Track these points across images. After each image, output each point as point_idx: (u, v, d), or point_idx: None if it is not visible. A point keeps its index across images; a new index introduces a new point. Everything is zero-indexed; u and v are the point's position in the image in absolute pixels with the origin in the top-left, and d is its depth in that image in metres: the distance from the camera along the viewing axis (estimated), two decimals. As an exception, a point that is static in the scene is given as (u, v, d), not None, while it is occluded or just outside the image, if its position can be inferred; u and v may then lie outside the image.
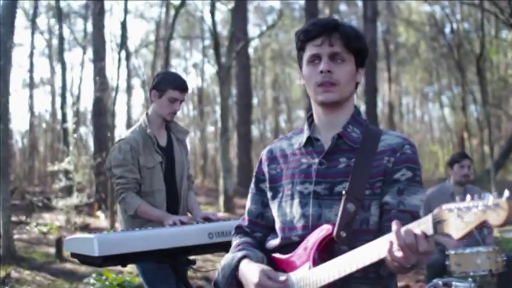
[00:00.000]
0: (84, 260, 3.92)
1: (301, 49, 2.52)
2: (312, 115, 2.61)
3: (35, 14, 26.64)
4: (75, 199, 14.15)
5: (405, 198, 2.35)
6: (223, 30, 29.48)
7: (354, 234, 2.30)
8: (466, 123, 29.77)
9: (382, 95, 39.36)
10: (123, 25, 17.42)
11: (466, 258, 5.82)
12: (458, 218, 1.79)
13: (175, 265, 4.17)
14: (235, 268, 2.46)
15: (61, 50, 22.12)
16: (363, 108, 24.40)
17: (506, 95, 33.21)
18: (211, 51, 24.32)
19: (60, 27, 22.34)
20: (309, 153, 2.52)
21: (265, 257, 2.54)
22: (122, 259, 3.87)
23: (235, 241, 2.66)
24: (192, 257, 4.29)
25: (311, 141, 2.53)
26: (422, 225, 1.93)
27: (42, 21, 32.95)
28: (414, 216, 2.29)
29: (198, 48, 37.54)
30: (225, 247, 4.39)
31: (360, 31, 2.55)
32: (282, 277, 2.32)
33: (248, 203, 2.72)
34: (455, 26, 30.36)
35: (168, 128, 4.96)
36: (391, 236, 1.99)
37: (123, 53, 17.43)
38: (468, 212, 1.77)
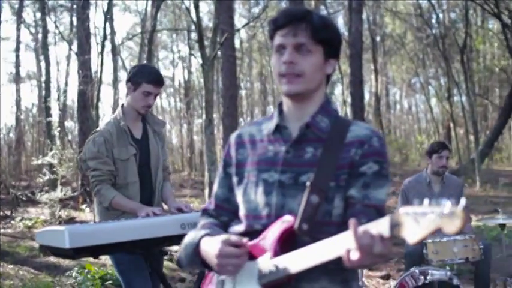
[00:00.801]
0: (56, 252, 3.93)
1: (271, 38, 2.48)
2: (282, 103, 2.57)
3: (21, 8, 26.53)
4: (59, 193, 14.09)
5: (370, 192, 2.32)
6: (210, 23, 29.45)
7: (316, 226, 2.26)
8: (452, 113, 29.87)
9: (368, 86, 39.42)
10: (106, 16, 17.37)
11: (443, 247, 5.86)
12: (415, 222, 1.78)
13: (148, 256, 4.18)
14: (196, 246, 2.42)
15: (45, 44, 22.03)
16: (349, 99, 24.42)
17: (493, 85, 33.31)
18: (197, 44, 24.26)
19: (44, 20, 22.24)
20: (277, 140, 2.48)
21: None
22: (94, 251, 3.87)
23: (200, 223, 2.63)
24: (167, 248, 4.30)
25: (279, 129, 2.49)
26: (380, 227, 1.91)
27: (28, 15, 32.74)
28: (379, 211, 2.29)
29: (185, 40, 37.42)
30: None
31: (330, 21, 2.50)
32: (243, 240, 2.30)
33: (215, 186, 2.67)
34: (441, 16, 30.48)
35: (145, 119, 4.95)
36: (348, 235, 1.97)
37: (109, 46, 17.46)
38: (424, 218, 1.76)
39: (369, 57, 36.67)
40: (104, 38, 16.90)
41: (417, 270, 5.73)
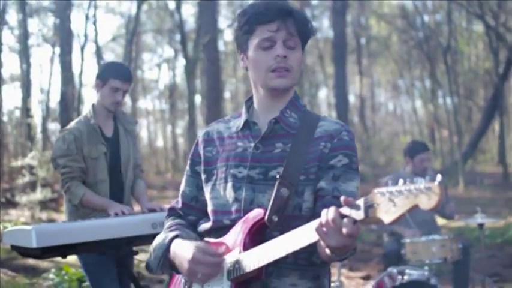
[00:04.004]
0: (24, 252, 3.89)
1: (248, 32, 2.42)
2: (250, 99, 2.56)
3: (4, 10, 26.35)
4: (38, 194, 13.99)
5: (340, 185, 2.32)
6: (195, 24, 29.38)
7: (286, 220, 2.25)
8: (436, 115, 29.93)
9: (353, 88, 39.51)
10: (89, 17, 17.31)
11: (421, 247, 5.85)
12: (390, 202, 1.77)
13: (119, 256, 4.12)
14: (167, 249, 2.39)
15: (25, 45, 21.91)
16: (333, 101, 24.46)
17: (477, 87, 33.43)
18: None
19: (24, 21, 22.12)
20: (246, 136, 2.47)
21: (198, 237, 2.48)
22: (62, 250, 3.82)
23: (168, 223, 2.60)
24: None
25: (248, 125, 2.48)
26: (354, 209, 1.89)
27: (11, 17, 32.54)
28: None
29: (170, 42, 37.34)
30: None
31: (308, 16, 2.50)
32: (219, 250, 2.28)
33: (182, 185, 2.65)
34: (426, 18, 30.57)
35: (116, 118, 4.90)
36: (321, 217, 1.96)
37: (94, 48, 17.34)
38: (400, 196, 1.75)
39: (354, 59, 36.75)
40: (85, 39, 16.85)
41: (395, 270, 5.70)
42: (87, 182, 4.65)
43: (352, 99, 38.48)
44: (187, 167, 2.64)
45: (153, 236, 4.04)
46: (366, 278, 8.59)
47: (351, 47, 32.30)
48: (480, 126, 24.78)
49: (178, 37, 30.92)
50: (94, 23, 16.14)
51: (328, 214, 1.94)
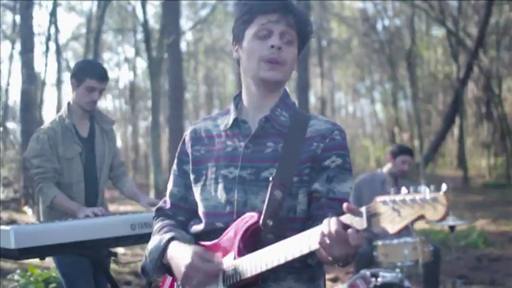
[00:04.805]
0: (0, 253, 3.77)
1: (247, 22, 2.39)
2: (238, 95, 2.51)
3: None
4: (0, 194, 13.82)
5: (335, 186, 2.30)
6: (156, 24, 29.21)
7: (280, 222, 2.22)
8: (396, 118, 30.18)
9: (314, 90, 39.66)
10: (51, 16, 17.10)
11: (393, 249, 5.88)
12: (394, 211, 1.72)
13: (97, 257, 4.06)
14: (162, 251, 2.32)
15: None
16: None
17: (436, 91, 33.81)
18: (143, 45, 24.01)
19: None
20: (235, 135, 2.41)
21: (192, 239, 2.43)
22: (41, 252, 3.75)
23: (158, 224, 2.52)
24: (115, 250, 4.19)
25: (237, 124, 2.42)
26: (355, 218, 1.85)
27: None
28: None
29: (130, 42, 37.09)
30: (148, 239, 4.31)
31: (308, 16, 2.49)
32: (218, 257, 2.22)
33: (170, 185, 2.57)
34: (387, 22, 30.87)
35: (92, 118, 4.83)
36: (323, 228, 1.91)
37: (53, 46, 17.08)
38: (404, 206, 1.70)
39: (315, 62, 36.89)
40: (49, 37, 16.63)
41: (368, 272, 5.73)
42: (63, 183, 4.59)
43: (312, 101, 38.65)
44: (174, 166, 2.57)
45: (131, 238, 4.06)
46: (334, 280, 8.59)
47: (312, 50, 32.36)
48: (441, 130, 25.09)
49: (139, 36, 30.84)
50: (55, 22, 15.86)
51: (331, 226, 1.89)
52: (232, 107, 2.48)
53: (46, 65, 16.33)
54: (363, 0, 30.87)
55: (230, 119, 2.44)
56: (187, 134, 2.56)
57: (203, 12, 35.31)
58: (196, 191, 2.45)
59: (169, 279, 2.50)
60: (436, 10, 23.68)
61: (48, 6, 21.97)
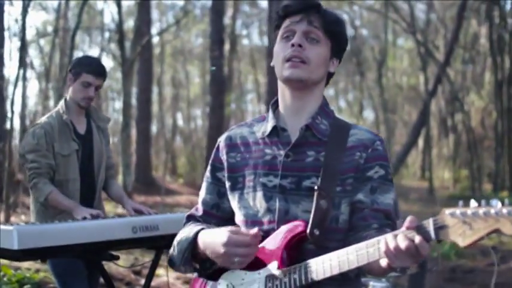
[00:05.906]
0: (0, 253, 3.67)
1: (277, 27, 2.38)
2: (276, 102, 2.44)
3: None
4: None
5: (378, 197, 2.26)
6: (125, 24, 28.99)
7: (325, 232, 2.18)
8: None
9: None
10: (25, 12, 16.83)
11: (381, 259, 5.85)
12: (465, 224, 1.68)
13: (98, 260, 3.99)
14: (193, 240, 2.27)
15: None
16: (263, 108, 24.54)
17: (402, 101, 34.17)
18: (111, 45, 23.84)
19: None
20: (274, 143, 2.34)
21: None
22: (43, 253, 3.66)
23: (188, 227, 2.44)
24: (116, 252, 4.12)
25: (276, 131, 2.35)
26: (421, 231, 1.81)
27: None
28: (388, 215, 2.24)
29: (97, 41, 36.79)
30: (149, 242, 4.25)
31: (342, 19, 2.43)
32: (254, 230, 2.14)
33: (202, 192, 2.51)
34: (352, 32, 31.13)
35: (89, 115, 4.74)
36: (387, 239, 1.87)
37: (19, 43, 16.73)
38: (476, 219, 1.66)
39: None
40: (24, 34, 16.37)
41: (358, 282, 5.69)
42: (58, 180, 4.45)
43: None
44: (207, 173, 2.51)
45: (133, 241, 4.00)
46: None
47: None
48: (408, 141, 25.32)
49: (106, 36, 30.55)
50: (23, 19, 15.62)
51: (399, 241, 1.83)
52: (270, 113, 2.42)
53: (21, 62, 15.97)
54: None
55: (268, 126, 2.38)
56: (221, 141, 2.50)
57: (170, 14, 35.32)
58: (233, 198, 2.40)
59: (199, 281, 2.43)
60: (406, 21, 23.94)
61: (19, 2, 21.63)
